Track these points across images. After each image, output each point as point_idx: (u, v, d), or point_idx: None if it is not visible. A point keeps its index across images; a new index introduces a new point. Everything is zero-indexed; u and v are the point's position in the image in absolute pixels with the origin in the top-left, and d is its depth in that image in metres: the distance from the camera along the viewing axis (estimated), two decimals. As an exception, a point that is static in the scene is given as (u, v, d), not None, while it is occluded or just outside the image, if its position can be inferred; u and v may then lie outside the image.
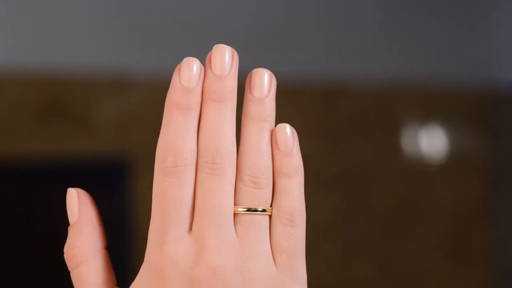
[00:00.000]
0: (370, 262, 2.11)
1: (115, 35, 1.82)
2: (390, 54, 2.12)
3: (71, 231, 0.40)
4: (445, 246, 2.19)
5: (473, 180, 2.22)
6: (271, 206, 0.39)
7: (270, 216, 0.39)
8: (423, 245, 2.16)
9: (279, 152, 0.40)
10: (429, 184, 2.17)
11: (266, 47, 1.96)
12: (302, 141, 2.00)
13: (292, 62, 2.00)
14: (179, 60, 1.64)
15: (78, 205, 0.40)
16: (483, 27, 2.24)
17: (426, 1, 2.17)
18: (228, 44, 0.40)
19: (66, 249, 0.40)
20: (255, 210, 0.39)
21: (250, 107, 0.40)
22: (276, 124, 0.41)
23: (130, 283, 0.42)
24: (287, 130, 0.40)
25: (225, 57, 0.39)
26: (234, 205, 0.39)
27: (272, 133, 0.40)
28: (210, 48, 0.41)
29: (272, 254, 0.39)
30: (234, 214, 0.39)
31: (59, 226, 1.72)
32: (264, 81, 0.40)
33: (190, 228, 0.38)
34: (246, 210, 0.38)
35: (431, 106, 2.18)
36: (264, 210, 0.39)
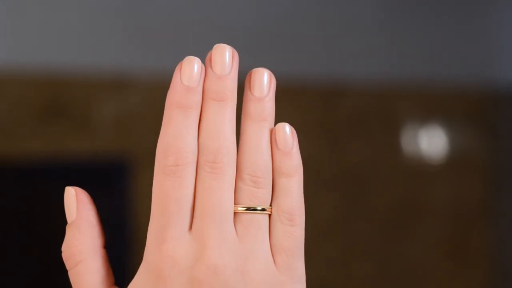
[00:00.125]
0: (370, 262, 2.11)
1: (115, 35, 1.82)
2: (390, 54, 2.12)
3: (69, 230, 0.40)
4: (445, 246, 2.19)
5: (473, 180, 2.22)
6: (270, 205, 0.39)
7: (270, 215, 0.39)
8: (423, 245, 2.16)
9: (278, 152, 0.40)
10: (429, 184, 2.17)
11: (266, 47, 1.96)
12: (302, 141, 2.00)
13: (292, 62, 2.00)
14: (179, 60, 1.65)
15: (77, 203, 0.40)
16: (483, 27, 2.24)
17: (426, 1, 2.17)
18: (228, 44, 0.40)
19: (64, 248, 0.40)
20: (255, 209, 0.39)
21: (250, 107, 0.40)
22: (275, 124, 0.41)
23: (129, 283, 0.41)
24: (286, 130, 0.40)
25: (225, 56, 0.39)
26: (234, 204, 0.39)
27: (271, 132, 0.40)
28: (210, 48, 0.41)
29: (272, 253, 0.39)
30: (234, 213, 0.39)
31: (59, 226, 1.72)
32: (263, 81, 0.40)
33: (190, 227, 0.38)
34: (246, 209, 0.38)
35: (431, 106, 2.18)
36: (263, 209, 0.39)
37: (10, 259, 1.71)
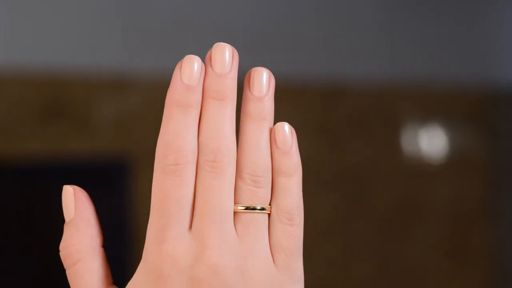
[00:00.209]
0: (370, 262, 2.11)
1: (115, 35, 1.82)
2: (390, 54, 2.12)
3: (68, 229, 0.40)
4: (445, 246, 2.19)
5: (473, 180, 2.22)
6: (269, 204, 0.39)
7: (269, 214, 0.39)
8: (423, 245, 2.16)
9: (278, 151, 0.40)
10: (429, 184, 2.17)
11: (266, 47, 1.96)
12: (302, 141, 2.00)
13: (292, 62, 2.00)
14: (179, 60, 1.64)
15: (75, 202, 0.40)
16: (483, 27, 2.24)
17: (426, 1, 2.17)
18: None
19: (62, 247, 0.39)
20: (254, 209, 0.39)
21: (250, 106, 0.40)
22: (274, 123, 0.41)
23: (128, 282, 0.41)
24: (286, 129, 0.40)
25: (225, 55, 0.39)
26: (234, 203, 0.39)
27: (271, 131, 0.40)
28: (210, 48, 0.40)
29: (271, 252, 0.39)
30: (234, 212, 0.39)
31: (59, 226, 1.72)
32: (263, 80, 0.40)
33: (190, 227, 0.38)
34: (245, 209, 0.38)
35: (431, 106, 2.18)
36: (263, 209, 0.39)
37: (10, 259, 1.71)
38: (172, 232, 0.37)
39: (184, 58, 0.39)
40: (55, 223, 1.73)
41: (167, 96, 0.39)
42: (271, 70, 1.97)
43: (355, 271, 2.09)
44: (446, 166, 2.20)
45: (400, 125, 2.15)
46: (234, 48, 0.39)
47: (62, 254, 0.40)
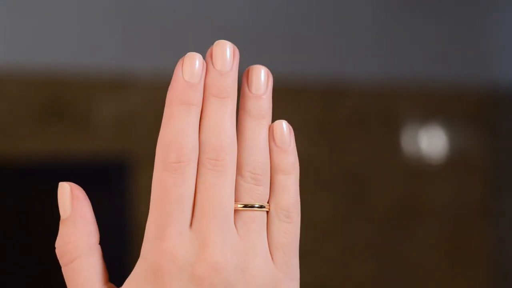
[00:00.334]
0: (370, 262, 2.11)
1: (115, 35, 1.82)
2: (390, 54, 2.12)
3: (64, 226, 0.39)
4: (445, 246, 2.19)
5: (473, 180, 2.22)
6: (267, 202, 0.40)
7: (267, 212, 0.40)
8: (423, 245, 2.16)
9: (277, 149, 0.40)
10: (429, 184, 2.17)
11: (266, 47, 1.96)
12: (302, 141, 2.00)
13: (292, 62, 2.00)
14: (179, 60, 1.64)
15: (72, 199, 0.39)
16: (483, 27, 2.24)
17: (426, 1, 2.17)
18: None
19: (59, 244, 0.39)
20: (252, 206, 0.39)
21: (249, 104, 0.40)
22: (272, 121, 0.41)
23: (125, 280, 0.41)
24: (284, 127, 0.40)
25: (226, 53, 0.39)
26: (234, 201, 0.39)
27: (269, 129, 0.40)
28: (211, 46, 0.40)
29: (269, 250, 0.39)
30: (234, 210, 0.39)
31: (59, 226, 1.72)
32: (261, 78, 0.40)
33: (190, 225, 0.38)
34: (243, 206, 0.39)
35: (431, 106, 2.18)
36: (261, 206, 0.39)
37: (10, 259, 1.71)
38: (173, 230, 0.37)
39: (186, 55, 0.39)
40: (55, 223, 1.72)
41: (168, 94, 0.39)
42: (271, 70, 1.97)
43: (355, 271, 2.09)
44: (446, 166, 2.20)
45: (400, 125, 2.15)
46: (235, 46, 0.39)
47: (58, 251, 0.39)
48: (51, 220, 1.73)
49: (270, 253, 0.39)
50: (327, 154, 2.05)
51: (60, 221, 0.40)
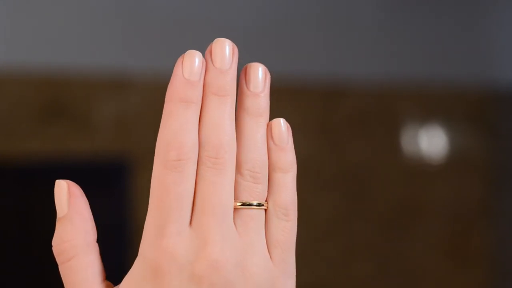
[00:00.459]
0: (370, 262, 2.11)
1: (115, 35, 1.82)
2: (390, 54, 2.12)
3: (61, 224, 0.39)
4: (445, 246, 2.19)
5: (473, 180, 2.22)
6: (265, 200, 0.40)
7: (265, 210, 0.40)
8: (423, 245, 2.16)
9: (275, 147, 0.40)
10: (429, 184, 2.17)
11: (266, 47, 1.96)
12: (302, 141, 2.00)
13: (292, 62, 2.00)
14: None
15: (69, 197, 0.39)
16: (483, 27, 2.24)
17: (426, 1, 2.17)
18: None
19: (56, 242, 0.39)
20: (250, 205, 0.39)
21: (247, 102, 0.40)
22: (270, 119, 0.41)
23: (123, 279, 0.40)
24: (282, 125, 0.40)
25: (225, 51, 0.39)
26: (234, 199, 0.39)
27: (267, 127, 0.40)
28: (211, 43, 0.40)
29: (267, 247, 0.39)
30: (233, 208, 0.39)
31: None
32: (259, 76, 0.40)
33: (190, 223, 0.38)
34: (241, 205, 0.39)
35: (431, 106, 2.18)
36: (260, 204, 0.39)
37: (10, 259, 1.71)
38: (172, 228, 0.37)
39: (186, 53, 0.39)
40: (55, 223, 1.72)
41: (167, 91, 0.38)
42: (271, 70, 1.97)
43: (355, 271, 2.09)
44: (446, 166, 2.20)
45: (400, 125, 2.15)
46: (234, 44, 0.39)
47: (55, 249, 0.39)
48: (51, 220, 1.73)
49: (268, 251, 0.39)
50: (327, 154, 2.05)
51: (57, 219, 0.39)
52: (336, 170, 2.06)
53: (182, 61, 0.38)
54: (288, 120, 1.96)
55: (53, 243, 0.39)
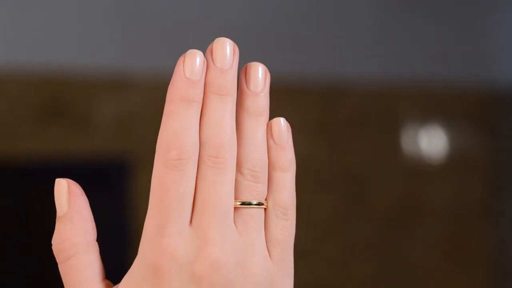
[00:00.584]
0: (370, 262, 2.11)
1: (115, 35, 1.82)
2: (390, 54, 2.12)
3: (61, 223, 0.39)
4: (445, 246, 2.19)
5: (473, 180, 2.22)
6: (265, 199, 0.40)
7: (265, 209, 0.40)
8: (423, 245, 2.16)
9: (275, 146, 0.40)
10: (429, 184, 2.17)
11: (266, 47, 1.96)
12: (302, 141, 2.00)
13: (292, 62, 2.00)
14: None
15: (69, 196, 0.39)
16: (483, 27, 2.24)
17: (426, 1, 2.17)
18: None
19: (56, 241, 0.39)
20: (250, 204, 0.39)
21: (247, 101, 0.40)
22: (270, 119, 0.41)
23: (123, 278, 0.40)
24: (282, 124, 0.40)
25: (226, 50, 0.39)
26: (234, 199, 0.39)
27: (267, 126, 0.40)
28: (211, 43, 0.40)
29: (266, 246, 0.39)
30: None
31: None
32: (259, 75, 0.40)
33: (190, 222, 0.38)
34: (241, 204, 0.39)
35: (431, 106, 2.18)
36: (259, 204, 0.39)
37: (10, 259, 1.71)
38: (173, 228, 0.37)
39: (187, 52, 0.39)
40: (55, 223, 1.73)
41: (168, 90, 0.38)
42: (271, 70, 1.97)
43: (355, 271, 2.09)
44: (446, 166, 2.20)
45: (400, 125, 2.15)
46: (234, 43, 0.39)
47: (55, 248, 0.39)
48: (51, 220, 1.73)
49: (267, 250, 0.39)
50: (327, 154, 2.05)
51: (57, 217, 0.39)
52: (336, 170, 2.06)
53: (183, 61, 0.39)
54: (288, 120, 1.96)
55: (53, 242, 0.39)
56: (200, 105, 0.39)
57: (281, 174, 0.40)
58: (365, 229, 2.10)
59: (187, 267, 0.37)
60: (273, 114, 1.97)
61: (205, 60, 0.39)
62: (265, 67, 0.40)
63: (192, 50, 0.39)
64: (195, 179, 0.38)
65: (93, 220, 0.39)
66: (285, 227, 0.40)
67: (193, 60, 0.39)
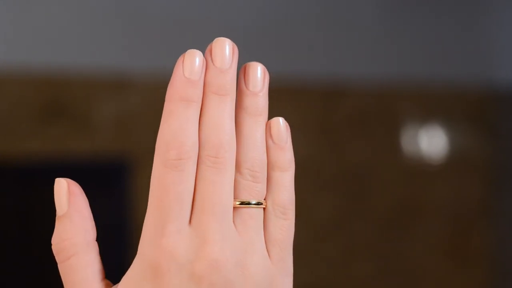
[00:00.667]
0: (370, 262, 2.11)
1: (115, 35, 1.82)
2: (390, 54, 2.12)
3: (61, 223, 0.39)
4: (445, 246, 2.19)
5: (473, 180, 2.22)
6: (264, 199, 0.40)
7: (264, 209, 0.40)
8: (423, 245, 2.16)
9: (274, 146, 0.40)
10: (429, 184, 2.17)
11: (266, 47, 1.96)
12: (302, 141, 2.00)
13: (292, 62, 2.00)
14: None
15: (69, 195, 0.39)
16: (483, 27, 2.24)
17: (426, 1, 2.17)
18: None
19: (55, 241, 0.39)
20: (249, 204, 0.39)
21: (246, 101, 0.40)
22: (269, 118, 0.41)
23: (122, 278, 0.40)
24: (281, 124, 0.40)
25: (225, 50, 0.39)
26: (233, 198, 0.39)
27: (266, 126, 0.40)
28: (211, 42, 0.40)
29: (266, 246, 0.39)
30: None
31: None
32: (258, 75, 0.40)
33: (189, 222, 0.38)
34: (240, 204, 0.39)
35: (431, 106, 2.18)
36: (259, 203, 0.39)
37: (10, 259, 1.71)
38: (172, 227, 0.37)
39: (186, 52, 0.39)
40: (55, 223, 1.72)
41: (168, 90, 0.38)
42: (271, 70, 1.96)
43: (355, 271, 2.09)
44: (446, 166, 2.20)
45: (400, 125, 2.15)
46: (234, 43, 0.40)
47: (55, 248, 0.39)
48: (51, 220, 1.73)
49: (267, 250, 0.39)
50: (327, 154, 2.05)
51: (57, 217, 0.39)
52: (336, 170, 2.06)
53: (183, 60, 0.39)
54: (288, 120, 1.95)
55: (52, 241, 0.39)
56: (200, 105, 0.39)
57: (280, 174, 0.40)
58: (365, 229, 2.10)
59: (186, 266, 0.37)
60: (273, 114, 1.96)
61: (204, 60, 0.39)
62: (264, 67, 0.40)
63: (192, 50, 0.39)
64: (194, 179, 0.38)
65: (93, 220, 0.39)
66: (284, 227, 0.40)
67: (193, 60, 0.39)
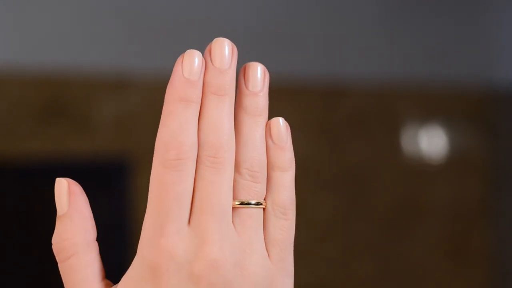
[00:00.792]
0: (370, 262, 2.11)
1: (115, 35, 1.82)
2: (390, 54, 2.12)
3: (61, 222, 0.39)
4: (445, 246, 2.19)
5: (473, 180, 2.22)
6: (264, 199, 0.40)
7: (264, 209, 0.40)
8: (423, 245, 2.16)
9: (274, 146, 0.40)
10: (429, 184, 2.17)
11: (266, 47, 1.96)
12: (302, 141, 2.00)
13: (292, 62, 2.00)
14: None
15: (69, 195, 0.39)
16: (483, 27, 2.24)
17: (426, 1, 2.17)
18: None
19: (56, 240, 0.39)
20: (248, 204, 0.39)
21: (246, 101, 0.40)
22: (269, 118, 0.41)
23: (121, 279, 0.40)
24: (281, 124, 0.40)
25: (225, 50, 0.39)
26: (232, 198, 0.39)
27: (266, 126, 0.40)
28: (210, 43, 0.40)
29: (265, 246, 0.39)
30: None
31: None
32: (258, 75, 0.40)
33: (188, 222, 0.38)
34: (240, 204, 0.39)
35: (431, 106, 2.18)
36: (258, 203, 0.39)
37: (10, 259, 1.71)
38: (171, 227, 0.37)
39: (185, 52, 0.39)
40: (55, 223, 1.72)
41: (167, 90, 0.38)
42: (271, 70, 1.97)
43: (355, 271, 2.09)
44: (446, 166, 2.20)
45: (400, 125, 2.15)
46: (233, 43, 0.40)
47: (55, 248, 0.39)
48: (51, 220, 1.73)
49: (266, 250, 0.39)
50: (327, 154, 2.05)
51: (57, 217, 0.39)
52: (336, 170, 2.06)
53: (182, 61, 0.39)
54: (288, 120, 1.95)
55: (52, 241, 0.39)
56: (199, 105, 0.39)
57: (280, 174, 0.40)
58: (365, 229, 2.10)
59: (185, 266, 0.37)
60: (272, 114, 1.96)
61: (204, 60, 0.39)
62: (264, 67, 0.40)
63: (191, 50, 0.39)
64: (193, 179, 0.38)
65: (93, 220, 0.39)
66: (284, 227, 0.40)
67: (192, 60, 0.39)
